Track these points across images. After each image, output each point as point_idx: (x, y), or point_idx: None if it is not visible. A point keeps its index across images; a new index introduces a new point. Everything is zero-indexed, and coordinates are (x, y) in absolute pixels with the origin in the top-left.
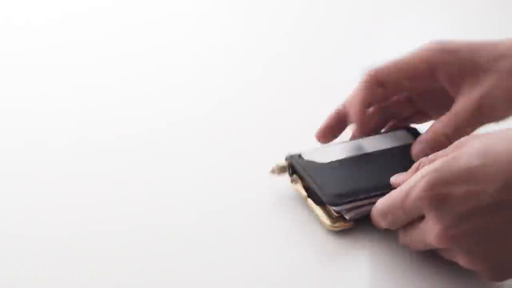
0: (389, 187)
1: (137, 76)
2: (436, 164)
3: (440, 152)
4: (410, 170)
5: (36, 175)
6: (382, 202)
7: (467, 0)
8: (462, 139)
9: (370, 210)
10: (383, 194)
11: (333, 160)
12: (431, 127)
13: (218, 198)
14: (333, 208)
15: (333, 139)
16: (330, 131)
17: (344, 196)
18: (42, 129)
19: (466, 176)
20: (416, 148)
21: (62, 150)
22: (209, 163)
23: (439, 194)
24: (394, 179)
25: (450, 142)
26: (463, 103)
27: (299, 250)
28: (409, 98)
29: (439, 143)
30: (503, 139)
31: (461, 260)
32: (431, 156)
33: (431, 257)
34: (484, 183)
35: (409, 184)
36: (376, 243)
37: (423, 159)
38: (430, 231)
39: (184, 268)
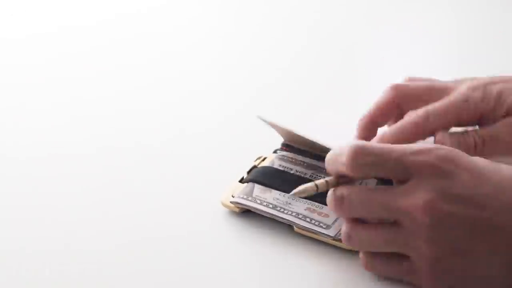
0: None
1: (145, 85)
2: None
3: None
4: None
5: (50, 186)
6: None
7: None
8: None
9: None
10: None
11: None
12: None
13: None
14: None
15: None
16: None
17: None
18: (56, 140)
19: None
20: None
21: (65, 158)
22: (221, 172)
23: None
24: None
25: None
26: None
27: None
28: None
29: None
30: None
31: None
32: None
33: None
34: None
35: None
36: None
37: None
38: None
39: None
